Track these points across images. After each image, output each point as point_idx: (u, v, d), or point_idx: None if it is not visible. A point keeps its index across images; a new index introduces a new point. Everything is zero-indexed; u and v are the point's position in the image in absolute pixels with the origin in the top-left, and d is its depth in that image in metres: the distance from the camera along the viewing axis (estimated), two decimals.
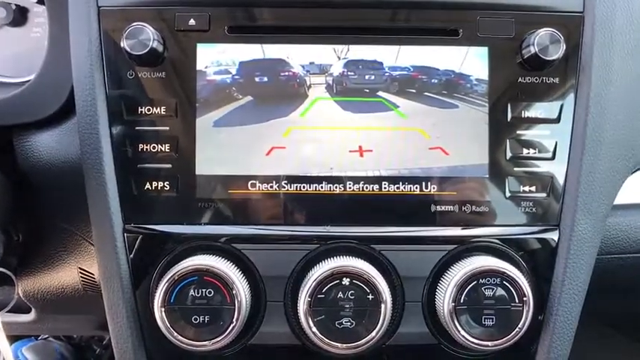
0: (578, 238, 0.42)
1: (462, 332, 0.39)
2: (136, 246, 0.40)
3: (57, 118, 0.45)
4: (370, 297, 0.39)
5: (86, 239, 0.48)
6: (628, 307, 0.67)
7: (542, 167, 0.42)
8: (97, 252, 0.43)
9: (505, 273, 0.39)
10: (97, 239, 0.42)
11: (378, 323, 0.38)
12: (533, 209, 0.42)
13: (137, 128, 0.41)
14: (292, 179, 0.40)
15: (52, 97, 0.45)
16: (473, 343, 0.39)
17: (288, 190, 0.40)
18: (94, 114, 0.40)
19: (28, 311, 0.71)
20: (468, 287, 0.39)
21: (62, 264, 0.51)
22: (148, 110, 0.41)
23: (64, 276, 0.52)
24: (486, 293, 0.40)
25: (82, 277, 0.52)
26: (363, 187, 0.41)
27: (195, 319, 0.38)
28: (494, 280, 0.39)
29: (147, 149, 0.41)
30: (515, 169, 0.42)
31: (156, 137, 0.41)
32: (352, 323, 0.39)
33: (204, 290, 0.38)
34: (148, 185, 0.40)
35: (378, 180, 0.41)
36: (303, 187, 0.40)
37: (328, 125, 0.41)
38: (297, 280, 0.40)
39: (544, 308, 0.42)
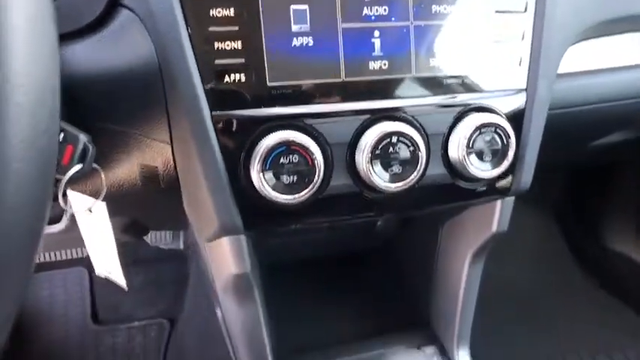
0: (539, 98, 0.58)
1: (472, 168, 0.55)
2: (223, 127, 0.49)
3: (93, 27, 0.50)
4: (411, 149, 0.52)
5: (148, 137, 0.55)
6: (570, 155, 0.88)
7: (516, 47, 0.57)
8: (180, 144, 0.51)
9: (498, 124, 0.55)
10: (184, 130, 0.49)
11: (417, 167, 0.53)
12: (511, 78, 0.57)
13: (211, 29, 0.48)
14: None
15: (87, 5, 0.49)
16: (480, 175, 0.55)
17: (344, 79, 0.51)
18: (174, 17, 0.47)
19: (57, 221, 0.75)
20: (474, 136, 0.55)
21: (121, 163, 0.58)
22: (219, 12, 0.48)
23: (123, 173, 0.59)
24: (486, 139, 0.55)
25: (143, 172, 0.58)
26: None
27: (286, 179, 0.49)
28: (490, 129, 0.55)
29: (222, 47, 0.48)
30: (498, 51, 0.56)
31: (229, 36, 0.48)
32: (400, 169, 0.52)
33: (291, 156, 0.49)
34: (227, 78, 0.49)
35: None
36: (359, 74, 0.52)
37: None
38: (354, 144, 0.52)
39: (517, 148, 0.59)
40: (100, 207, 0.53)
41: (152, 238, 1.31)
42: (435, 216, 0.73)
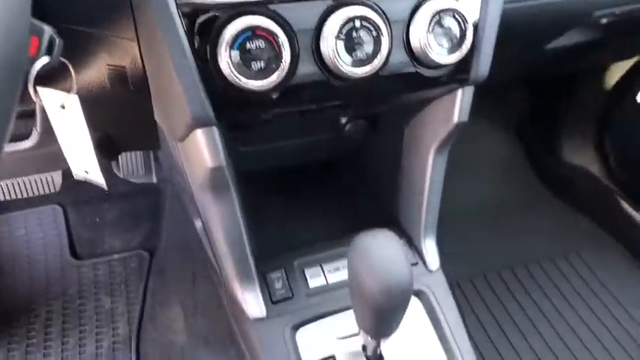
0: None
1: (432, 54, 0.57)
2: (188, 16, 0.50)
3: None
4: (374, 34, 0.54)
5: (113, 35, 0.55)
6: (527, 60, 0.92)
7: None
8: (146, 39, 0.51)
9: (456, 9, 0.57)
10: (150, 23, 0.50)
11: (380, 52, 0.55)
12: None
13: None
14: None
15: None
16: (440, 61, 0.58)
17: None
18: None
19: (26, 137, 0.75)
20: (434, 21, 0.57)
21: (89, 64, 0.58)
22: None
23: (91, 75, 0.59)
24: (445, 24, 0.57)
25: (111, 73, 0.59)
26: None
27: (254, 66, 0.51)
28: (449, 14, 0.57)
29: None
30: None
31: None
32: (364, 54, 0.54)
33: (257, 42, 0.50)
34: None
35: None
36: None
37: None
38: (319, 30, 0.53)
39: (475, 34, 0.61)
40: (73, 102, 0.53)
41: (124, 170, 1.31)
42: (399, 115, 0.76)
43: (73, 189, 1.38)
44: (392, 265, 0.53)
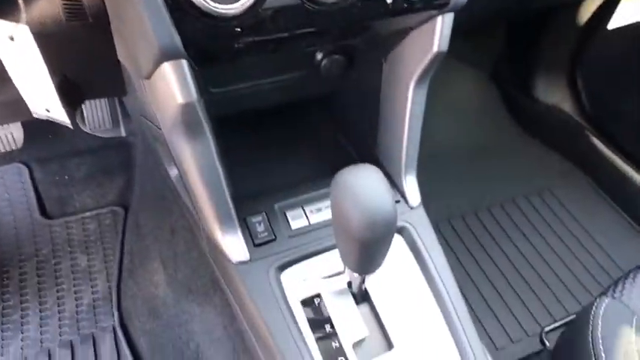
0: None
1: None
2: None
3: None
4: None
5: None
6: None
7: None
8: None
9: None
10: None
11: None
12: None
13: None
14: None
15: None
16: None
17: None
18: None
19: None
20: None
21: None
22: None
23: (44, 8, 0.54)
24: None
25: (66, 5, 0.54)
26: None
27: None
28: None
29: None
30: None
31: None
32: None
33: None
34: None
35: None
36: None
37: None
38: None
39: None
40: (23, 33, 0.48)
41: (90, 124, 1.26)
42: (377, 49, 0.73)
43: (37, 146, 1.32)
44: (376, 198, 0.52)
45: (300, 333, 0.65)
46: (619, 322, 0.72)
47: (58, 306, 1.20)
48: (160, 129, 0.66)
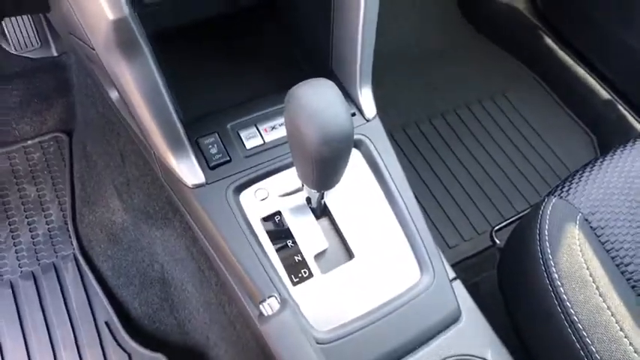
0: None
1: None
2: None
3: None
4: None
5: None
6: None
7: None
8: None
9: None
10: None
11: None
12: None
13: None
14: None
15: None
16: None
17: None
18: None
19: None
20: None
21: None
22: None
23: None
24: None
25: None
26: None
27: None
28: None
29: None
30: None
31: None
32: None
33: None
34: None
35: None
36: None
37: None
38: None
39: None
40: None
41: (15, 44, 1.14)
42: None
43: None
44: (331, 112, 0.50)
45: (263, 249, 0.66)
46: (564, 219, 0.76)
47: (13, 239, 1.17)
48: (93, 49, 0.60)
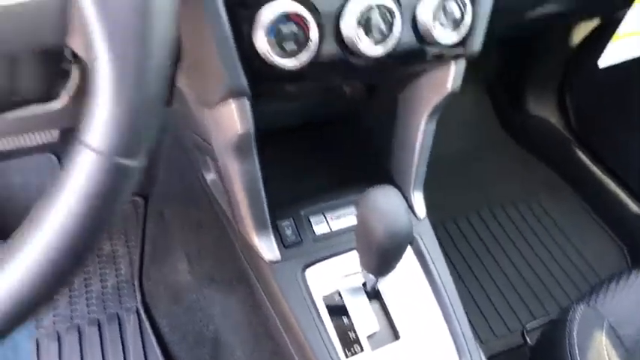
0: None
1: (436, 34, 0.66)
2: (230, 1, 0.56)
3: None
4: (389, 18, 0.61)
5: None
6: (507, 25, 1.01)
7: None
8: (188, 15, 0.56)
9: None
10: (194, 6, 0.55)
11: (392, 34, 0.62)
12: None
13: None
14: None
15: None
16: (443, 41, 0.66)
17: None
18: None
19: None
20: (439, 6, 0.64)
21: None
22: None
23: None
24: (448, 9, 0.65)
25: None
26: None
27: (287, 46, 0.58)
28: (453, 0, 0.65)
29: None
30: None
31: None
32: (379, 35, 0.62)
33: (290, 25, 0.57)
34: None
35: None
36: None
37: None
38: (340, 14, 0.60)
39: (473, 16, 0.69)
40: None
41: None
42: (394, 83, 0.84)
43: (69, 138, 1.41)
44: (397, 214, 0.64)
45: (322, 322, 0.77)
46: (592, 326, 0.85)
47: (85, 287, 1.31)
48: (210, 145, 0.77)
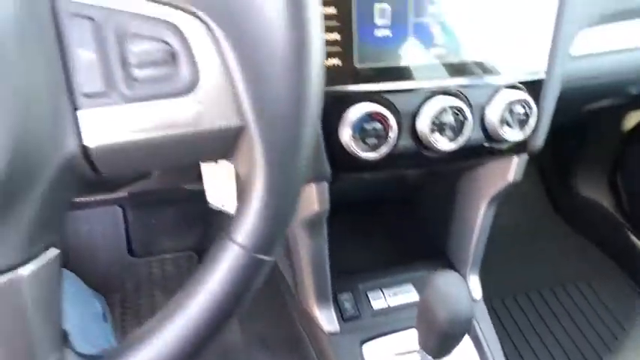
0: (555, 76, 0.74)
1: (502, 133, 0.71)
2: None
3: None
4: (461, 118, 0.67)
5: None
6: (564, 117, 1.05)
7: (539, 34, 0.71)
8: None
9: (524, 99, 0.70)
10: None
11: (463, 132, 0.68)
12: (535, 60, 0.72)
13: None
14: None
15: None
16: (509, 139, 0.71)
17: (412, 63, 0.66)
18: None
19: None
20: (506, 108, 0.70)
21: None
22: (323, 11, 0.61)
23: None
24: (514, 110, 0.71)
25: None
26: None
27: (369, 141, 0.64)
28: (518, 103, 0.70)
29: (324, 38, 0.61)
30: (525, 37, 0.71)
31: (330, 29, 0.61)
32: (451, 134, 0.68)
33: (372, 123, 0.64)
34: (326, 62, 0.62)
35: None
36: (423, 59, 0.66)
37: None
38: (417, 113, 0.67)
39: (537, 117, 0.74)
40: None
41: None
42: (456, 170, 0.89)
43: (135, 194, 1.52)
44: (460, 301, 0.67)
45: None
46: None
47: None
48: None
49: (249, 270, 0.39)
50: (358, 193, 0.92)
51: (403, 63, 0.65)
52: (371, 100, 0.64)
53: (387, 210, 1.06)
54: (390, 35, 0.64)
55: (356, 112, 0.63)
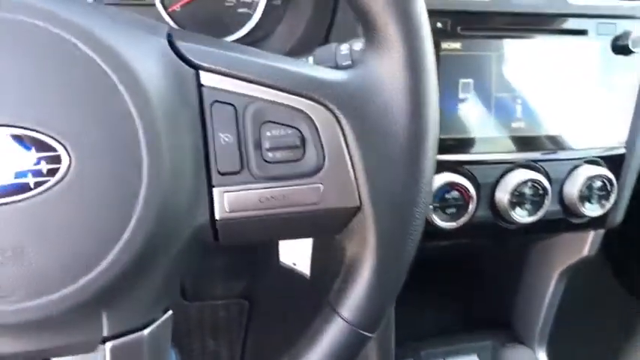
0: (637, 150, 0.73)
1: (582, 208, 0.70)
2: None
3: None
4: (540, 191, 0.67)
5: None
6: None
7: (621, 110, 0.72)
8: None
9: (604, 175, 0.70)
10: None
11: (542, 206, 0.68)
12: (616, 134, 0.72)
13: None
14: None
15: None
16: (588, 214, 0.70)
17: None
18: None
19: None
20: (586, 184, 0.69)
21: None
22: None
23: None
24: (594, 186, 0.70)
25: None
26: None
27: (449, 211, 0.65)
28: (598, 179, 0.70)
29: None
30: (606, 113, 0.71)
31: None
32: (530, 207, 0.68)
33: (453, 193, 0.65)
34: None
35: None
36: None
37: None
38: (496, 185, 0.68)
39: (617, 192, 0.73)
40: None
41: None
42: (529, 239, 0.88)
43: None
44: None
45: None
46: None
47: None
48: None
49: (352, 345, 0.40)
50: (425, 253, 0.92)
51: (484, 135, 0.67)
52: (452, 171, 0.65)
53: (453, 275, 1.04)
54: (473, 108, 0.66)
55: (437, 181, 0.64)
